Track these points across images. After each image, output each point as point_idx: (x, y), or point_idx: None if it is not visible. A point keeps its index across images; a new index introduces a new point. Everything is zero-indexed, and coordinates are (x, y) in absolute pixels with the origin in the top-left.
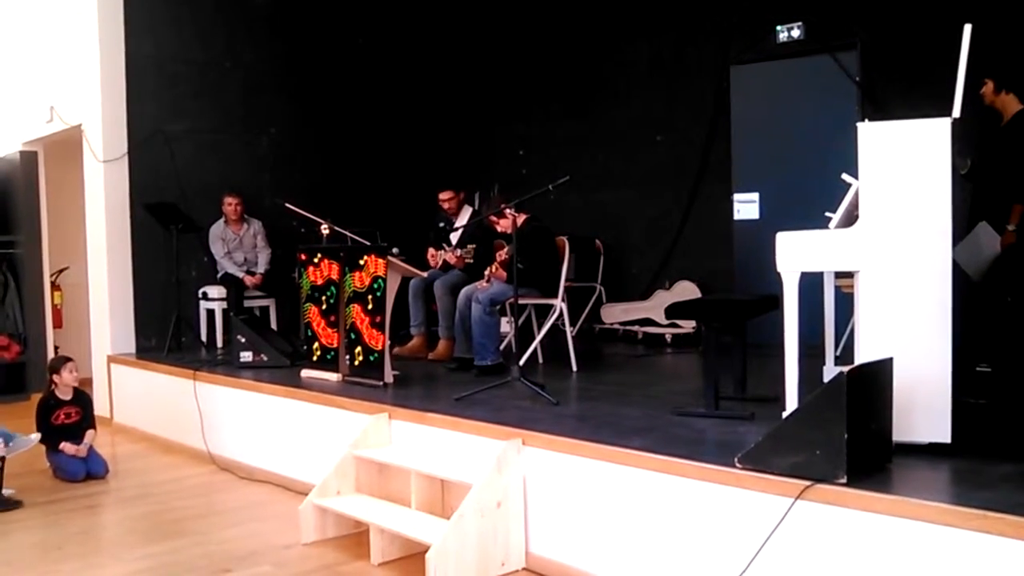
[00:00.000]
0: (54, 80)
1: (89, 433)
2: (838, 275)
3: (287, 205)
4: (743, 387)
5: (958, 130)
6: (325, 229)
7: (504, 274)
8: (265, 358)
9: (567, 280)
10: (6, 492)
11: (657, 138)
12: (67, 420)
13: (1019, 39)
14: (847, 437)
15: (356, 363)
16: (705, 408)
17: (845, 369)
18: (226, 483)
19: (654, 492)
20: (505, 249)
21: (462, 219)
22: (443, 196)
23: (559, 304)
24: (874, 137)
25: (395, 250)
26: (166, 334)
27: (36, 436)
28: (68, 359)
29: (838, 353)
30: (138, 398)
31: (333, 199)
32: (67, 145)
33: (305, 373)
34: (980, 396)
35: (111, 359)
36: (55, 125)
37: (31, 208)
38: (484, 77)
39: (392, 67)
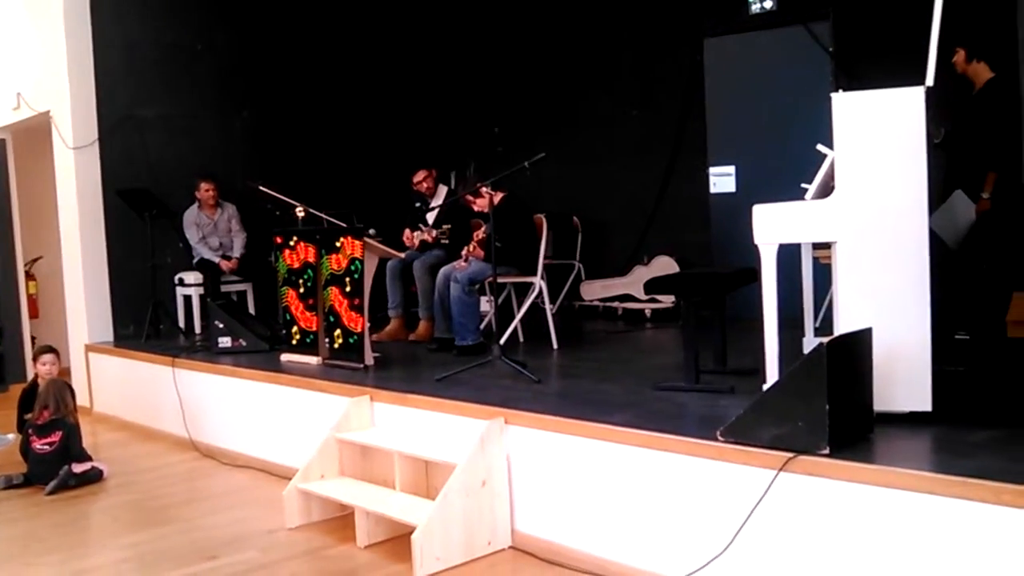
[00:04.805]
0: (20, 66)
1: None
2: (816, 246)
3: (261, 188)
4: (723, 360)
5: (932, 99)
6: (300, 212)
7: (482, 253)
8: (244, 343)
9: (545, 258)
10: None
11: (632, 113)
12: None
13: (989, 8)
14: (828, 408)
15: (336, 346)
16: (686, 382)
17: (825, 340)
18: (209, 469)
19: (637, 467)
20: (483, 228)
21: (438, 199)
22: (417, 178)
23: (538, 282)
24: (848, 107)
25: (371, 231)
26: (143, 321)
27: (12, 436)
28: (43, 351)
29: (817, 324)
30: (117, 386)
31: (308, 181)
32: (36, 132)
33: (285, 357)
34: (959, 364)
35: (89, 348)
36: (22, 112)
37: (1, 197)
38: (458, 55)
39: (365, 46)
